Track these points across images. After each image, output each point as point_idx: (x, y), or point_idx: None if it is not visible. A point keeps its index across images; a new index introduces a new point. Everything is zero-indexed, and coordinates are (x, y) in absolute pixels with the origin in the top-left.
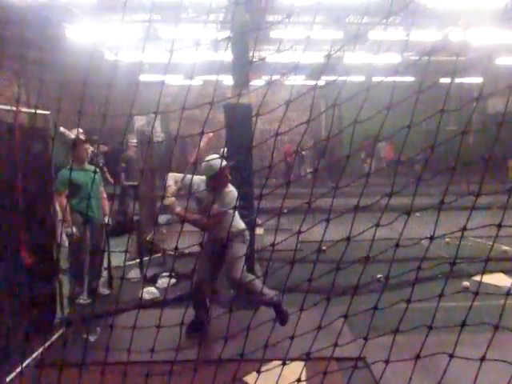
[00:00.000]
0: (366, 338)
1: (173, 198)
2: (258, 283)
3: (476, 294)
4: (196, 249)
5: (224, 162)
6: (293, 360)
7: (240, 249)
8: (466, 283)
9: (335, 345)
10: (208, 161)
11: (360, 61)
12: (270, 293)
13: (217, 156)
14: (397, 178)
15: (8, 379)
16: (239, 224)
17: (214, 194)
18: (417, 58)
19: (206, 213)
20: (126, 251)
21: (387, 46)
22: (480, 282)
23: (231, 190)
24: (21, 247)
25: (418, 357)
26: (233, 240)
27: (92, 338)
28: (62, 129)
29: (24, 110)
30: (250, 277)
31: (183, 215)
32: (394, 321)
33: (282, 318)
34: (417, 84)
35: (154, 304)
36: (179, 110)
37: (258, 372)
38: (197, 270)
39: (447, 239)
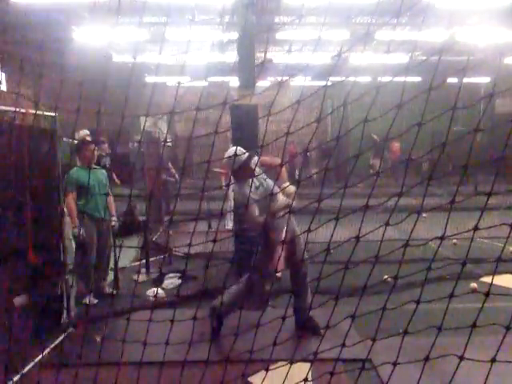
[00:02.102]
0: (373, 340)
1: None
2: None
3: (487, 294)
4: (201, 249)
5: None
6: (299, 361)
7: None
8: (474, 285)
9: (342, 345)
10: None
11: (366, 61)
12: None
13: (237, 148)
14: (403, 178)
15: (15, 379)
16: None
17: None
18: (424, 57)
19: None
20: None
21: (394, 45)
22: (491, 284)
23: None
24: (28, 248)
25: (427, 358)
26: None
27: (98, 339)
28: (64, 139)
29: (31, 111)
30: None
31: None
32: (401, 322)
33: (314, 329)
34: (423, 84)
35: (160, 304)
36: (186, 112)
37: (267, 371)
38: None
39: (454, 240)
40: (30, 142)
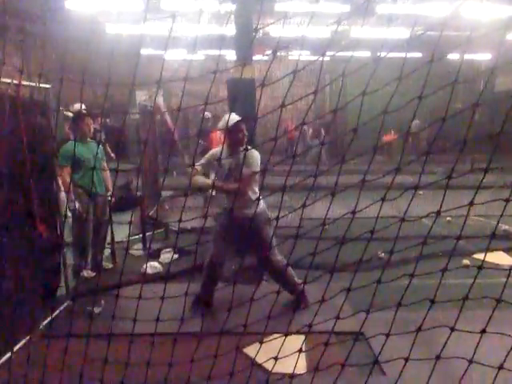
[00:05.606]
0: (367, 312)
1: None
2: (290, 269)
3: (480, 268)
4: (198, 224)
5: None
6: (293, 333)
7: (269, 229)
8: (466, 261)
9: (336, 318)
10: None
11: (367, 35)
12: (295, 279)
13: (234, 114)
14: (398, 155)
15: (14, 349)
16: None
17: (233, 154)
18: (425, 32)
19: (232, 177)
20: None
21: (395, 19)
22: (483, 261)
23: (253, 151)
24: (35, 220)
25: (419, 330)
26: (259, 222)
27: (96, 310)
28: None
29: (25, 83)
30: (283, 261)
31: (220, 186)
32: (394, 297)
33: (304, 302)
34: (424, 60)
35: (157, 278)
36: (182, 85)
37: (261, 343)
38: (214, 245)
39: (448, 217)
40: (23, 114)
